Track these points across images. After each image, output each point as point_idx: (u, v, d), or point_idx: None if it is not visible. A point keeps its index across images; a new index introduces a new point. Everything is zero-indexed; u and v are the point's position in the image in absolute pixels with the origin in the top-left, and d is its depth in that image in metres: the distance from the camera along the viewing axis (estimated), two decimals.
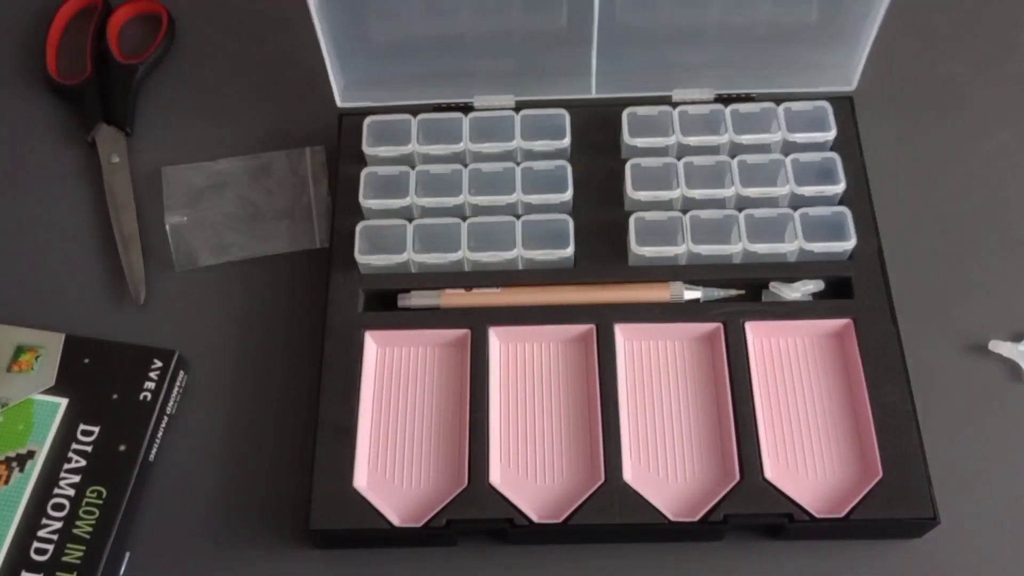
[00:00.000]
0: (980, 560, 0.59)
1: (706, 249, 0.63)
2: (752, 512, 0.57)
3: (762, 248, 0.63)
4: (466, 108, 0.69)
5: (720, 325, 0.63)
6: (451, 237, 0.64)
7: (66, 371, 0.63)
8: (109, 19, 0.79)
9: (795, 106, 0.68)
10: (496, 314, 0.63)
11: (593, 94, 0.69)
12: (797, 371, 0.63)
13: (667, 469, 0.60)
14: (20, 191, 0.73)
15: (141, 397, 0.62)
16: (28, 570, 0.57)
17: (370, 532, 0.58)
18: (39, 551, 0.58)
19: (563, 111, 0.68)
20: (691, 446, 0.60)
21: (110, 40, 0.78)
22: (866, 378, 0.60)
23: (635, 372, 0.63)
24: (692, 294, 0.63)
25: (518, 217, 0.65)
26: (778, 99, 0.68)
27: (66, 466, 0.60)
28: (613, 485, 0.58)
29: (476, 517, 0.58)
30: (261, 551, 0.60)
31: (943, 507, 0.57)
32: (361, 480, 0.60)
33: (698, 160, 0.66)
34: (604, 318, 0.63)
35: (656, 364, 0.63)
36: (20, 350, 0.64)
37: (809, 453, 0.60)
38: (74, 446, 0.61)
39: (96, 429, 0.61)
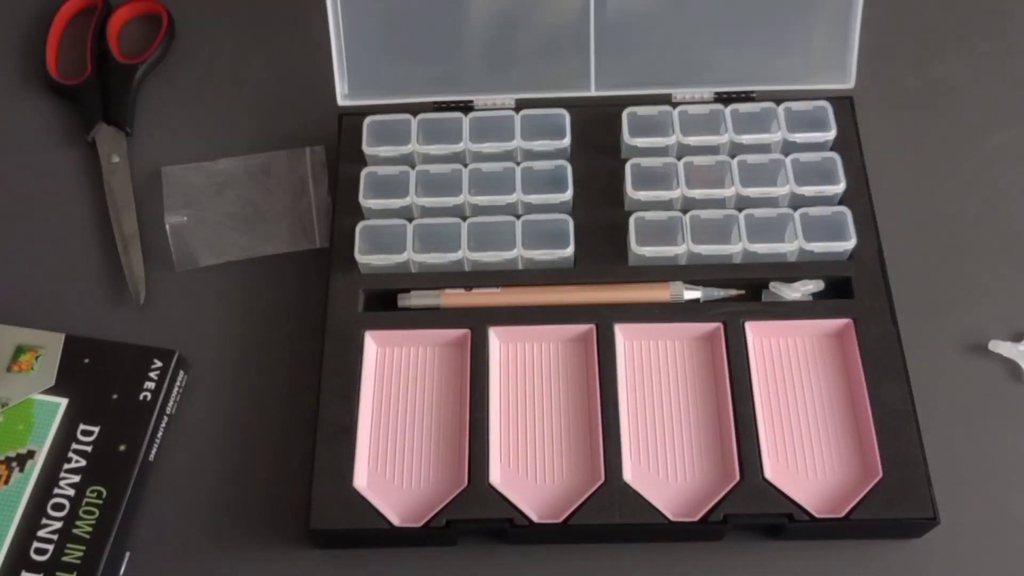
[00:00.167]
0: (980, 560, 0.59)
1: (706, 249, 0.63)
2: (752, 512, 0.57)
3: (762, 248, 0.63)
4: (466, 108, 0.69)
5: (720, 325, 0.63)
6: (451, 237, 0.64)
7: (66, 371, 0.63)
8: (109, 19, 0.79)
9: (795, 106, 0.68)
10: (496, 314, 0.63)
11: (593, 94, 0.69)
12: (797, 371, 0.63)
13: (667, 469, 0.60)
14: (20, 191, 0.73)
15: (141, 397, 0.62)
16: (28, 570, 0.57)
17: (370, 532, 0.58)
18: (39, 551, 0.58)
19: (563, 111, 0.68)
20: (691, 446, 0.60)
21: (110, 40, 0.78)
22: (866, 378, 0.60)
23: (635, 372, 0.63)
24: (692, 294, 0.63)
25: (518, 217, 0.65)
26: (778, 99, 0.68)
27: (66, 466, 0.60)
28: (613, 485, 0.58)
29: (476, 517, 0.58)
30: (261, 551, 0.60)
31: (943, 507, 0.57)
32: (361, 480, 0.60)
33: (698, 160, 0.66)
34: (604, 318, 0.63)
35: (656, 364, 0.63)
36: (20, 350, 0.64)
37: (809, 453, 0.60)
38: (74, 446, 0.61)
39: (96, 429, 0.61)
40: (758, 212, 0.64)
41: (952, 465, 0.60)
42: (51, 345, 0.64)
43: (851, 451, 0.60)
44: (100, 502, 0.59)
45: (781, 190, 0.65)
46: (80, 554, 0.58)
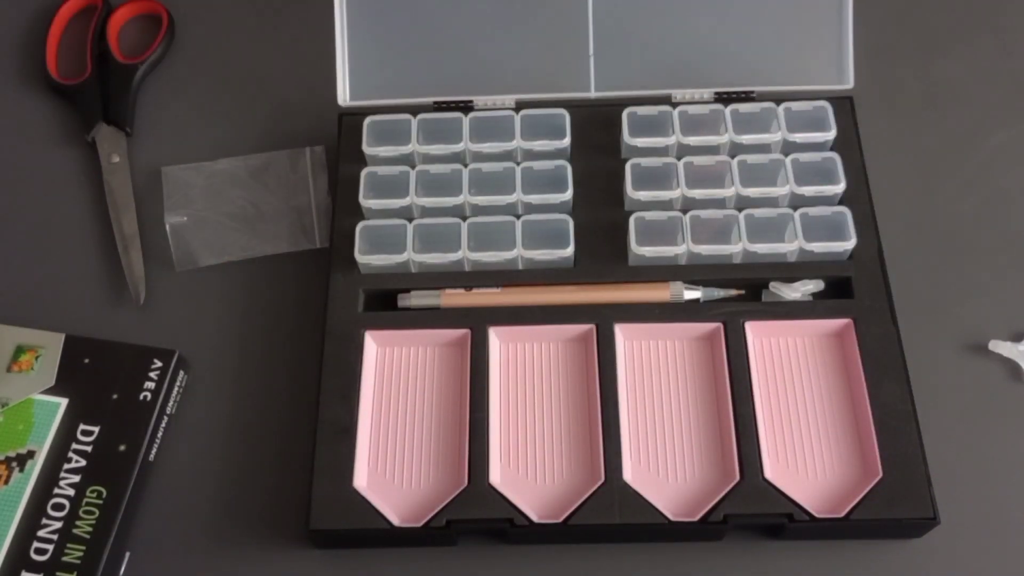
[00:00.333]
0: (980, 560, 0.59)
1: (706, 249, 0.63)
2: (752, 512, 0.57)
3: (762, 248, 0.63)
4: (466, 108, 0.69)
5: (720, 325, 0.63)
6: (451, 237, 0.64)
7: (66, 371, 0.63)
8: (109, 19, 0.79)
9: (795, 106, 0.68)
10: (496, 314, 0.63)
11: (593, 94, 0.69)
12: (797, 371, 0.63)
13: (667, 469, 0.60)
14: (20, 191, 0.73)
15: (141, 397, 0.62)
16: (28, 570, 0.57)
17: (370, 532, 0.58)
18: (39, 551, 0.58)
19: (563, 111, 0.68)
20: (691, 446, 0.60)
21: (110, 40, 0.78)
22: (866, 378, 0.60)
23: (635, 372, 0.63)
24: (692, 294, 0.63)
25: (518, 217, 0.65)
26: (778, 99, 0.68)
27: (66, 466, 0.60)
28: (613, 485, 0.58)
29: (476, 517, 0.58)
30: (261, 551, 0.60)
31: (943, 507, 0.57)
32: (361, 480, 0.60)
33: (698, 160, 0.66)
34: (604, 318, 0.63)
35: (656, 364, 0.63)
36: (20, 350, 0.64)
37: (809, 453, 0.60)
38: (74, 446, 0.61)
39: (96, 429, 0.61)
40: (758, 212, 0.64)
41: (952, 465, 0.60)
42: (51, 345, 0.64)
43: (851, 451, 0.60)
44: (100, 502, 0.59)
45: (781, 190, 0.65)
46: (80, 554, 0.58)
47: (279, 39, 0.79)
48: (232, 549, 0.60)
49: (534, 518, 0.58)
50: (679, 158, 0.66)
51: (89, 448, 0.61)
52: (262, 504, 0.61)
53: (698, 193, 0.65)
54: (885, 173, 0.69)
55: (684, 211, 0.65)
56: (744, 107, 0.68)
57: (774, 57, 0.69)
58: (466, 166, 0.67)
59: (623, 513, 0.57)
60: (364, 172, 0.67)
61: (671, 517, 0.57)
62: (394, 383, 0.63)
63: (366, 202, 0.66)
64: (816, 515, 0.57)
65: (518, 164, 0.67)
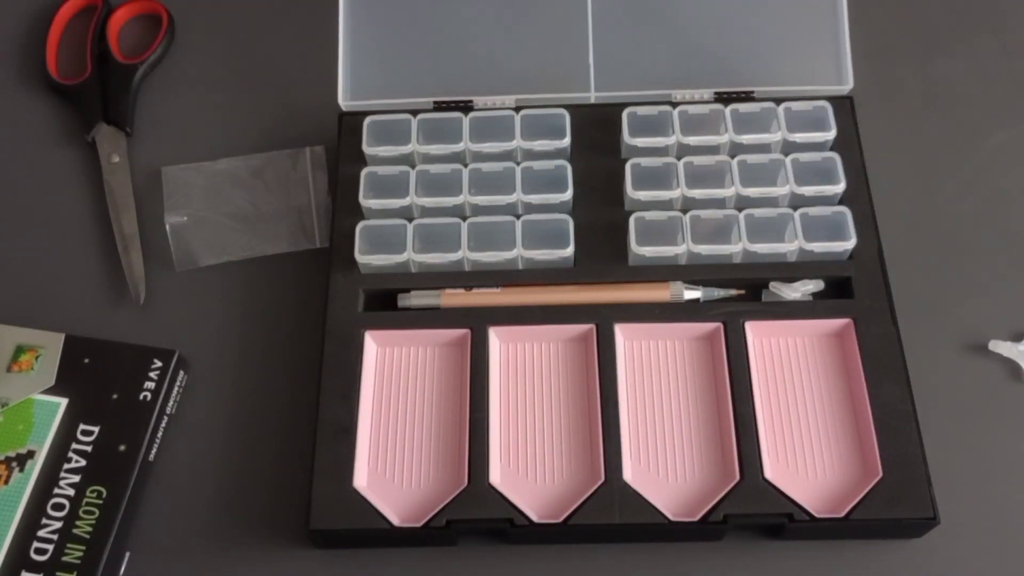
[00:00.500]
0: (980, 560, 0.59)
1: (706, 249, 0.63)
2: (752, 512, 0.57)
3: (762, 248, 0.63)
4: (466, 108, 0.69)
5: (720, 325, 0.63)
6: (451, 237, 0.64)
7: (66, 371, 0.63)
8: (109, 19, 0.79)
9: (795, 106, 0.68)
10: (496, 314, 0.63)
11: (592, 94, 0.69)
12: (797, 371, 0.63)
13: (667, 469, 0.60)
14: (20, 191, 0.73)
15: (141, 397, 0.62)
16: (28, 570, 0.57)
17: (370, 532, 0.58)
18: (39, 551, 0.58)
19: (563, 111, 0.68)
20: (691, 446, 0.60)
21: (110, 40, 0.78)
22: (866, 378, 0.60)
23: (635, 372, 0.63)
24: (692, 294, 0.63)
25: (518, 217, 0.65)
26: (778, 99, 0.68)
27: (66, 466, 0.60)
28: (613, 485, 0.58)
29: (476, 517, 0.58)
30: (261, 551, 0.60)
31: (943, 507, 0.57)
32: (361, 480, 0.60)
33: (698, 160, 0.66)
34: (604, 318, 0.63)
35: (656, 364, 0.63)
36: (20, 350, 0.64)
37: (809, 453, 0.60)
38: (74, 446, 0.61)
39: (96, 429, 0.61)
40: (758, 212, 0.64)
41: (952, 465, 0.60)
42: (51, 345, 0.64)
43: (851, 451, 0.60)
44: (100, 502, 0.59)
45: (781, 190, 0.65)
46: (80, 554, 0.58)
47: (279, 39, 0.79)
48: (232, 549, 0.60)
49: (534, 518, 0.58)
50: (679, 158, 0.66)
51: (89, 448, 0.61)
52: (262, 504, 0.61)
53: (698, 193, 0.65)
54: (885, 173, 0.69)
55: (684, 211, 0.65)
56: (744, 107, 0.68)
57: (774, 57, 0.69)
58: (466, 166, 0.67)
59: (623, 513, 0.57)
60: (364, 172, 0.67)
61: (671, 517, 0.57)
62: (394, 383, 0.63)
63: (366, 202, 0.66)
64: (816, 515, 0.57)
65: (518, 164, 0.67)
